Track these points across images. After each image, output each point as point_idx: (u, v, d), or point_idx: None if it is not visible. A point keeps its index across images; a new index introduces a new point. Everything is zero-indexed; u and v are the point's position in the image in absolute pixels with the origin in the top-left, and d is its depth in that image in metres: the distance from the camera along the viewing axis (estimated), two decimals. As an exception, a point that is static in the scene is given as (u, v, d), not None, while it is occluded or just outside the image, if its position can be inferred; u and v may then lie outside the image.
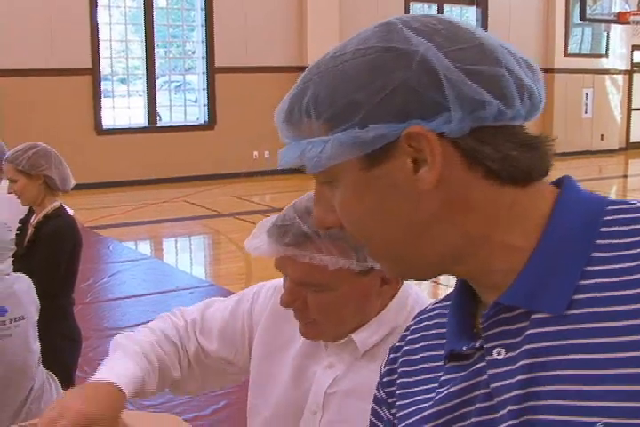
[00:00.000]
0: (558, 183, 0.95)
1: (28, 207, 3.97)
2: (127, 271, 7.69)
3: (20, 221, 4.00)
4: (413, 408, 0.99)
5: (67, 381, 3.42)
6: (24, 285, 3.03)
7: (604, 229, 0.87)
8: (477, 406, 0.89)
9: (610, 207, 0.90)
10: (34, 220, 3.83)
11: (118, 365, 1.72)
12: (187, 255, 9.38)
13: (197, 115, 14.11)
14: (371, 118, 0.87)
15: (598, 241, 0.87)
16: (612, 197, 12.12)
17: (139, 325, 6.78)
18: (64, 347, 3.74)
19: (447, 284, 6.69)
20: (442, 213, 0.89)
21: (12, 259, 3.80)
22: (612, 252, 0.86)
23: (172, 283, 7.27)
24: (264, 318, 1.82)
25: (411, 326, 1.10)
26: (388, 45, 0.88)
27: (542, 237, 0.89)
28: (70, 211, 3.96)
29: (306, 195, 1.58)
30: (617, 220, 0.88)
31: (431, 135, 0.86)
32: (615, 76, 18.45)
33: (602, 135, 18.24)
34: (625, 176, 15.99)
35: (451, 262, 0.93)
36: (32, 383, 3.02)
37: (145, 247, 9.52)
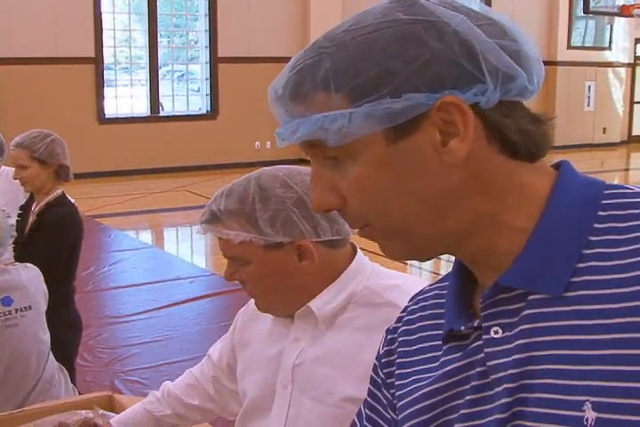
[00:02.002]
0: (556, 167, 0.95)
1: (28, 193, 3.97)
2: (128, 260, 7.71)
3: (21, 208, 4.00)
4: (411, 387, 1.00)
5: (68, 368, 3.43)
6: (31, 274, 3.04)
7: (601, 213, 0.88)
8: (473, 383, 0.90)
9: (607, 191, 0.90)
10: (35, 207, 3.84)
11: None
12: (187, 245, 9.39)
13: (200, 105, 14.11)
14: (405, 87, 0.86)
15: (595, 225, 0.87)
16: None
17: (139, 313, 6.80)
18: (65, 334, 3.75)
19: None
20: (462, 188, 0.89)
21: (12, 246, 3.82)
22: (608, 235, 0.86)
23: (173, 272, 7.29)
24: (238, 327, 1.96)
25: (408, 306, 1.11)
26: (416, 18, 0.87)
27: (541, 219, 0.89)
28: (72, 200, 3.97)
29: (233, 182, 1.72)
30: (614, 204, 0.88)
31: (465, 106, 0.86)
32: (618, 69, 18.42)
33: (604, 128, 18.22)
34: (627, 169, 15.99)
35: (458, 242, 0.93)
36: (39, 375, 3.02)
37: (146, 236, 9.54)
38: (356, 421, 1.16)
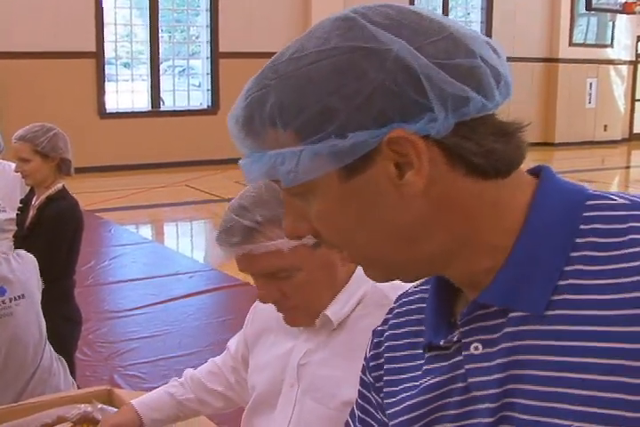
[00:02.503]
0: (537, 172, 0.92)
1: (29, 187, 3.97)
2: (128, 255, 7.71)
3: (21, 202, 4.00)
4: (400, 397, 0.98)
5: (67, 362, 3.43)
6: (22, 263, 3.04)
7: (583, 227, 0.84)
8: (456, 398, 0.89)
9: (590, 202, 0.86)
10: (36, 201, 3.84)
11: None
12: (187, 240, 9.40)
13: (201, 100, 14.10)
14: (348, 126, 0.81)
15: (577, 240, 0.84)
16: (615, 188, 12.11)
17: (138, 308, 6.80)
18: (65, 328, 3.76)
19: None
20: (428, 215, 0.85)
21: (12, 239, 3.83)
22: (590, 251, 0.83)
23: (173, 267, 7.28)
24: (250, 321, 1.94)
25: (393, 308, 1.08)
26: (354, 44, 0.82)
27: (521, 235, 0.86)
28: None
29: (239, 195, 1.62)
30: (597, 216, 0.85)
31: (415, 138, 0.81)
32: (620, 66, 18.40)
33: (605, 126, 18.21)
34: (627, 167, 15.95)
35: (436, 265, 0.90)
36: (37, 363, 3.04)
37: (146, 231, 9.55)
38: (349, 421, 1.16)
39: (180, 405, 2.06)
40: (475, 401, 0.87)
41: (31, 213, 3.81)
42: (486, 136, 0.84)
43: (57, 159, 3.74)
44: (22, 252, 3.10)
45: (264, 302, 1.66)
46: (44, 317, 3.19)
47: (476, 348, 0.88)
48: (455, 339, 0.90)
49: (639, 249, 0.81)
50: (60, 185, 3.79)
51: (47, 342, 3.14)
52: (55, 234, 3.68)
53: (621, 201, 0.87)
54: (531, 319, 0.84)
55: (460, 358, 0.89)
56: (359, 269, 1.67)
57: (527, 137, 0.88)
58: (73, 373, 3.60)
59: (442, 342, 0.92)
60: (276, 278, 1.61)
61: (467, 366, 0.88)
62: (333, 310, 1.66)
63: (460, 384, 0.89)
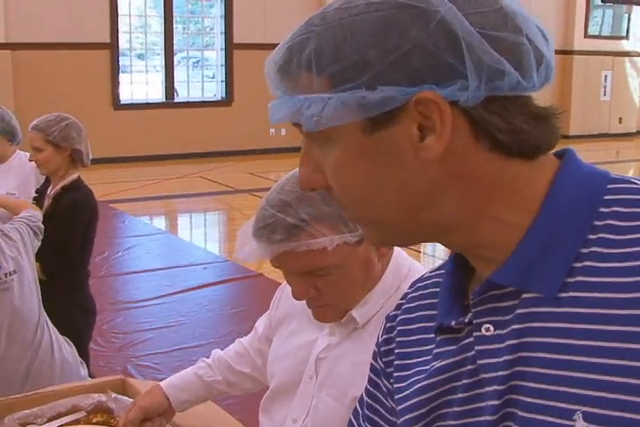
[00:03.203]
0: (561, 155, 0.91)
1: (44, 177, 3.99)
2: (142, 246, 7.74)
3: (37, 191, 4.02)
4: (410, 381, 0.98)
5: (81, 352, 3.45)
6: (10, 240, 3.09)
7: (602, 210, 0.84)
8: (464, 381, 0.89)
9: (611, 185, 0.85)
10: (51, 191, 3.85)
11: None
12: (201, 231, 9.42)
13: (215, 91, 14.10)
14: (380, 79, 0.82)
15: (596, 222, 0.83)
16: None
17: (152, 299, 6.83)
18: (79, 319, 3.78)
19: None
20: (443, 184, 0.85)
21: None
22: (607, 234, 0.82)
23: (187, 258, 7.31)
24: (278, 303, 1.93)
25: (407, 293, 1.08)
26: (405, 2, 0.82)
27: (539, 215, 0.85)
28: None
29: (273, 188, 1.60)
30: (618, 200, 0.84)
31: (443, 102, 0.81)
32: (635, 58, 18.29)
33: (620, 118, 18.11)
34: (642, 160, 15.90)
35: (442, 233, 0.90)
36: (38, 338, 3.10)
37: (160, 222, 9.57)
38: (358, 407, 1.15)
39: (208, 386, 2.07)
40: (482, 384, 0.86)
41: (46, 202, 3.83)
42: (516, 115, 0.84)
43: (69, 149, 3.74)
44: (8, 229, 3.14)
45: (299, 300, 1.64)
46: (59, 306, 3.22)
47: (488, 329, 0.87)
48: (467, 320, 0.90)
49: None
50: (75, 175, 3.79)
51: (47, 320, 3.20)
52: (70, 224, 3.69)
53: None
54: (543, 301, 0.83)
55: (470, 339, 0.89)
56: (392, 268, 1.66)
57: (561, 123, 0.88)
58: (87, 363, 3.62)
59: (453, 323, 0.91)
60: (312, 276, 1.59)
61: (477, 348, 0.88)
62: (361, 312, 1.64)
63: (470, 367, 0.88)
